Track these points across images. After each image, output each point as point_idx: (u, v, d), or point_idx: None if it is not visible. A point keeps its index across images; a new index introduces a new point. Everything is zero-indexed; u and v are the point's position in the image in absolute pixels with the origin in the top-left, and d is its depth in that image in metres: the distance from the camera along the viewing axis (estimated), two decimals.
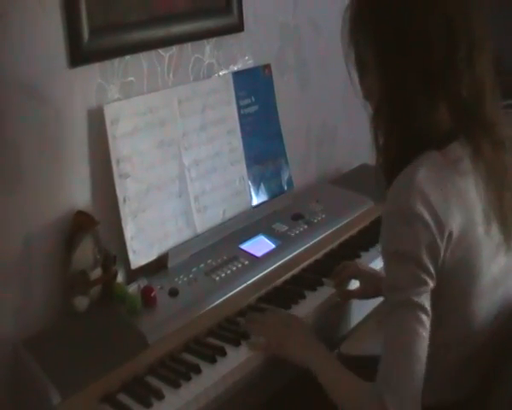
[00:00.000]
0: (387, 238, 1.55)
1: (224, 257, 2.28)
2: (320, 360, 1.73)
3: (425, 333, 1.48)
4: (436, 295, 1.51)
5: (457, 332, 1.59)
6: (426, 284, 1.49)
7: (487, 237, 1.56)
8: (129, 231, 2.14)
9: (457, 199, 1.51)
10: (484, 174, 1.55)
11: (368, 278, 2.16)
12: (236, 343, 1.90)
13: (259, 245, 2.39)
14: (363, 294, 2.17)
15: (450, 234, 1.48)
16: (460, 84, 1.52)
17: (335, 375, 1.67)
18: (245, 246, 2.37)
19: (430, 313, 1.49)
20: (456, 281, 1.54)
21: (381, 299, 2.15)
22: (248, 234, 2.44)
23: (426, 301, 1.49)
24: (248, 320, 1.98)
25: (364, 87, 1.65)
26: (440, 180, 1.51)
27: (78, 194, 2.10)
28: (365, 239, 2.47)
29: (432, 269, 1.49)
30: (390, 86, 1.57)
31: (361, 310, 2.22)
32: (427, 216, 1.46)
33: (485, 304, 1.59)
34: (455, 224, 1.49)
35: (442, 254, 1.49)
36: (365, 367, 1.60)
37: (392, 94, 1.57)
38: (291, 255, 2.35)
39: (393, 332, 1.51)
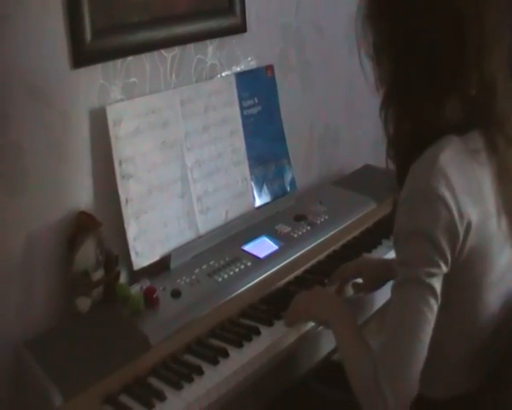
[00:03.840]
0: (406, 218, 1.52)
1: (227, 258, 2.28)
2: (336, 323, 1.74)
3: (430, 316, 1.46)
4: (448, 284, 1.50)
5: (467, 323, 1.59)
6: (438, 266, 1.47)
7: (498, 229, 1.55)
8: (131, 232, 2.13)
9: (476, 188, 1.51)
10: (496, 168, 1.55)
11: (370, 268, 2.14)
12: (239, 345, 1.90)
13: (262, 246, 2.38)
14: (369, 287, 2.14)
15: (469, 223, 1.47)
16: (468, 82, 1.51)
17: (347, 341, 1.67)
18: (248, 247, 2.36)
19: (439, 297, 1.47)
20: (469, 270, 1.53)
21: (382, 301, 2.16)
22: (251, 235, 2.44)
23: (436, 283, 1.47)
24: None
25: (375, 75, 1.63)
26: (462, 166, 1.51)
27: (81, 195, 2.10)
28: (368, 240, 2.46)
29: (448, 253, 1.47)
30: (398, 76, 1.57)
31: (362, 313, 2.21)
32: (449, 199, 1.45)
33: (494, 295, 1.58)
34: (473, 213, 1.48)
35: (461, 241, 1.48)
36: None
37: (400, 84, 1.58)
38: (294, 257, 2.34)
39: (399, 309, 1.49)
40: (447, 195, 1.45)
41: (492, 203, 1.54)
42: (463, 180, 1.49)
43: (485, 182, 1.54)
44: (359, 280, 2.16)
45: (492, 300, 1.59)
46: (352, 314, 1.80)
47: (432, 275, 1.47)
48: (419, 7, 1.51)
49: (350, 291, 2.16)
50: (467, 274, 1.53)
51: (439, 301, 1.48)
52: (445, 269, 1.48)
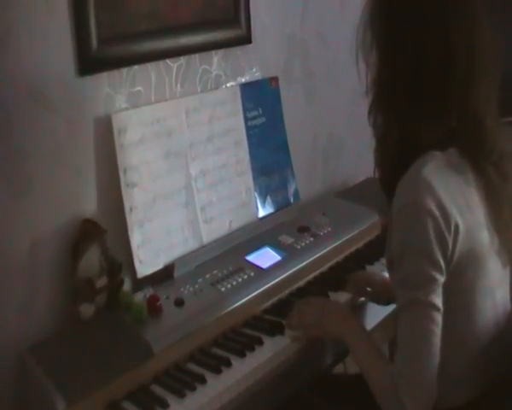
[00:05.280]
0: (398, 234, 1.58)
1: (230, 268, 2.28)
2: (352, 338, 1.77)
3: (437, 329, 1.52)
4: (444, 291, 1.54)
5: (463, 330, 1.62)
6: (435, 280, 1.52)
7: (490, 239, 1.60)
8: (135, 240, 2.14)
9: (463, 200, 1.56)
10: (485, 193, 1.61)
11: (380, 286, 2.16)
12: (241, 354, 1.90)
13: (265, 257, 2.38)
14: (374, 299, 2.18)
15: (457, 227, 1.52)
16: (450, 113, 1.58)
17: (364, 354, 1.72)
18: (251, 257, 2.36)
19: (441, 307, 1.53)
20: (460, 276, 1.57)
21: (383, 316, 2.17)
22: (254, 246, 2.43)
23: (437, 297, 1.52)
24: (287, 319, 2.01)
25: (368, 79, 1.68)
26: (446, 179, 1.56)
27: (85, 202, 2.10)
28: (371, 252, 2.47)
29: (442, 263, 1.52)
30: (387, 86, 1.62)
31: (365, 324, 2.21)
32: (435, 210, 1.50)
33: (489, 303, 1.63)
34: (460, 219, 1.53)
35: (450, 248, 1.52)
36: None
37: (387, 94, 1.62)
38: (297, 268, 2.34)
39: (406, 331, 1.55)
40: (433, 206, 1.50)
41: (482, 218, 1.60)
42: (448, 191, 1.54)
43: (472, 198, 1.59)
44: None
45: (487, 307, 1.63)
46: (364, 326, 1.87)
47: (431, 292, 1.52)
48: (414, 27, 1.56)
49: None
50: (459, 280, 1.57)
51: (442, 309, 1.53)
52: (442, 279, 1.54)
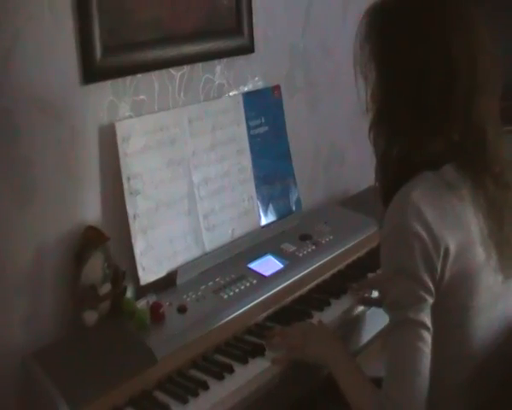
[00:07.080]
0: (386, 258, 1.58)
1: (233, 276, 2.29)
2: (337, 362, 1.75)
3: (426, 348, 1.50)
4: (436, 311, 1.53)
5: (457, 348, 1.60)
6: (425, 300, 1.51)
7: (486, 255, 1.58)
8: (138, 247, 2.15)
9: (454, 218, 1.55)
10: (485, 205, 1.58)
11: None
12: (244, 361, 1.91)
13: (267, 265, 2.39)
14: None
15: (447, 250, 1.51)
16: (453, 128, 1.56)
17: (350, 378, 1.69)
18: (253, 265, 2.37)
19: (431, 328, 1.52)
20: (453, 296, 1.55)
21: (386, 320, 2.17)
22: (256, 253, 2.44)
23: (426, 317, 1.51)
24: (269, 339, 1.99)
25: (367, 96, 1.69)
26: (436, 199, 1.55)
27: (89, 209, 2.12)
28: (373, 261, 2.46)
29: (430, 284, 1.51)
30: (388, 105, 1.62)
31: (366, 332, 2.23)
32: (422, 233, 1.49)
33: (485, 320, 1.60)
34: (451, 240, 1.52)
35: (439, 270, 1.51)
36: None
37: (389, 113, 1.62)
38: (299, 275, 2.35)
39: (395, 350, 1.53)
40: (421, 230, 1.50)
41: (477, 233, 1.57)
42: (438, 212, 1.53)
43: (465, 214, 1.57)
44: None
45: (482, 324, 1.60)
46: (348, 352, 1.84)
47: (420, 310, 1.51)
48: (414, 43, 1.55)
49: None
50: (451, 299, 1.56)
51: (432, 330, 1.52)
52: (430, 300, 1.53)
